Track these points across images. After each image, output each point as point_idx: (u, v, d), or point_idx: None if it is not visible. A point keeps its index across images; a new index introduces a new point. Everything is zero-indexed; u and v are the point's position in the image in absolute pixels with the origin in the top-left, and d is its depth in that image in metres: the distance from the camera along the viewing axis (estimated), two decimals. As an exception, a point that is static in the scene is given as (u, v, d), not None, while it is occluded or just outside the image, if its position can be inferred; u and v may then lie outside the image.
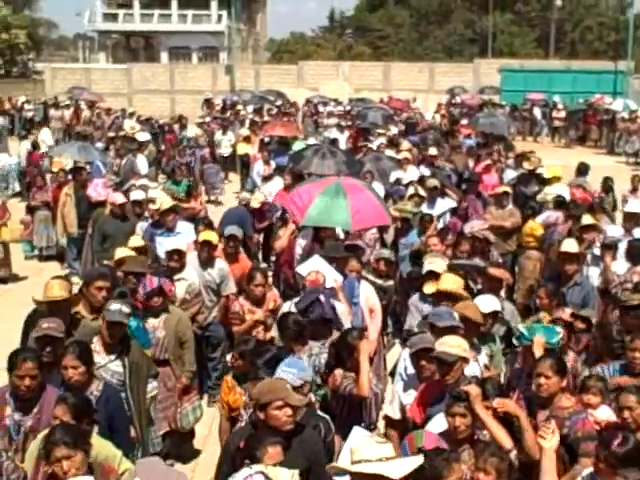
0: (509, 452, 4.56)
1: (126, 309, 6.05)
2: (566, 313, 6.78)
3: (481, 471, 4.33)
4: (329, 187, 9.13)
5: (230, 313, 7.92)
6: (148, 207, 10.87)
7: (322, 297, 6.47)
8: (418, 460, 3.97)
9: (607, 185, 13.56)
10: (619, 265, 8.66)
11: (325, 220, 8.84)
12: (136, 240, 8.89)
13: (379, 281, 8.63)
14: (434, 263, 7.58)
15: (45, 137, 22.58)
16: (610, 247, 8.81)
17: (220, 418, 6.22)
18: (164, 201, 10.31)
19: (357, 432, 4.38)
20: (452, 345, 5.40)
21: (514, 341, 6.04)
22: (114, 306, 6.04)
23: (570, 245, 8.15)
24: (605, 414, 5.15)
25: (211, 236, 8.67)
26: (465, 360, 5.44)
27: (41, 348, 5.63)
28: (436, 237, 9.03)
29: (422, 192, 11.55)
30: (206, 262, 8.48)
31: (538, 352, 5.66)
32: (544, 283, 7.74)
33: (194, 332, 7.61)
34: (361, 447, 3.96)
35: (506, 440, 4.67)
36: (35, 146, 20.26)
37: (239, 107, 29.97)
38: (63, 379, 5.34)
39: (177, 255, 8.05)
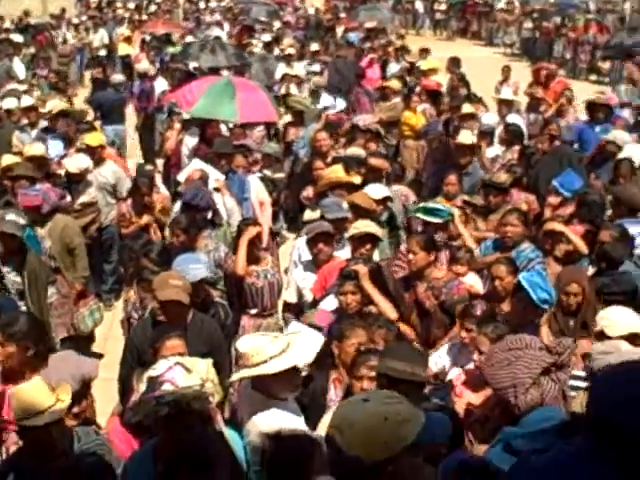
0: (395, 322, 4.97)
1: (22, 221, 5.97)
2: (460, 199, 7.30)
3: (371, 342, 4.66)
4: (219, 82, 9.23)
5: (119, 216, 7.99)
6: (37, 113, 10.42)
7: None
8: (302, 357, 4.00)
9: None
10: (495, 150, 9.18)
11: (212, 112, 8.91)
12: (36, 148, 8.37)
13: (267, 172, 8.81)
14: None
15: None
16: (486, 134, 9.28)
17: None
18: (56, 105, 10.00)
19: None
20: (366, 225, 5.87)
21: (427, 218, 6.37)
22: (9, 217, 5.94)
23: (465, 137, 8.48)
24: (472, 280, 5.69)
25: (96, 138, 8.58)
26: (378, 238, 5.94)
27: None
28: (324, 132, 9.20)
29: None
30: (97, 163, 8.41)
31: (460, 225, 6.31)
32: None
33: (87, 240, 7.60)
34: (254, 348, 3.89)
35: (391, 312, 5.08)
36: None
37: (118, 4, 28.74)
38: None
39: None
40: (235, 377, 4.14)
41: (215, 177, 7.60)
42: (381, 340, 4.63)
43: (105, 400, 5.31)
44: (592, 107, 10.23)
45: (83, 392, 3.86)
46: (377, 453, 2.29)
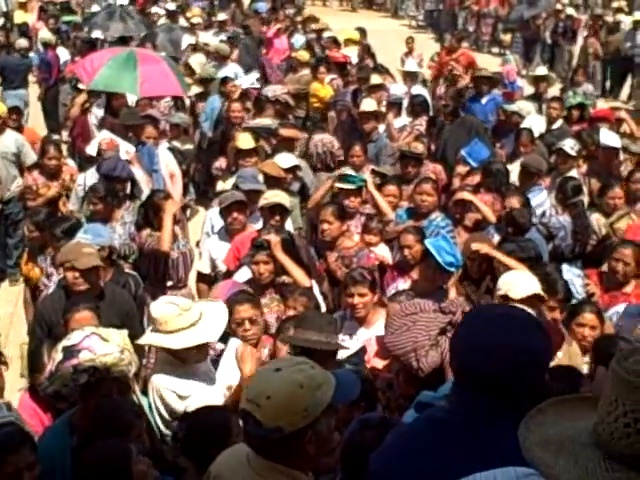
0: (310, 289, 5.03)
1: None
2: (367, 168, 7.35)
3: (291, 309, 4.74)
4: (121, 54, 8.98)
5: (24, 187, 7.75)
6: None
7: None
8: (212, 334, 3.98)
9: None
10: (403, 120, 9.32)
11: (111, 85, 8.71)
12: None
13: (176, 144, 8.71)
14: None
15: None
16: (394, 104, 9.42)
17: (24, 292, 6.22)
18: None
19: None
20: (275, 194, 5.94)
21: (341, 185, 6.39)
22: None
23: (368, 104, 8.57)
24: (382, 251, 5.80)
25: None
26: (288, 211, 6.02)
27: None
28: (238, 103, 9.14)
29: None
30: None
31: (374, 191, 6.38)
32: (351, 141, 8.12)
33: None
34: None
35: (304, 280, 5.14)
36: None
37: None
38: None
39: None
40: (143, 341, 4.08)
41: (125, 149, 7.45)
42: (302, 307, 4.68)
43: (15, 377, 5.20)
44: (477, 80, 10.39)
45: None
46: (298, 421, 2.28)
